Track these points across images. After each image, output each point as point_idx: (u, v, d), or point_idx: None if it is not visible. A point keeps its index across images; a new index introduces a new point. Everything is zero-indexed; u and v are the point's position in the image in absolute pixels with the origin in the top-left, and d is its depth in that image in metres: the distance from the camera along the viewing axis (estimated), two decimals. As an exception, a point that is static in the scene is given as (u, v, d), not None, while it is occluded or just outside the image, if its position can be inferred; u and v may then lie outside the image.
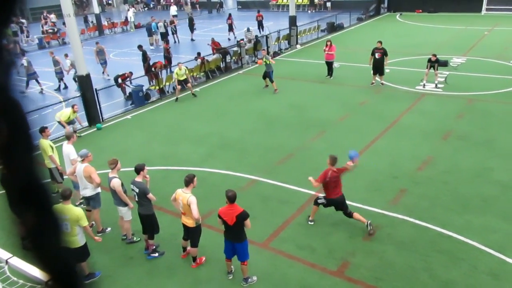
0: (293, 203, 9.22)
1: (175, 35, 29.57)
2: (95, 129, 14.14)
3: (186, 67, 17.04)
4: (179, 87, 16.55)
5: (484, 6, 31.79)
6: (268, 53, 19.40)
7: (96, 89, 14.67)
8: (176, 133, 13.60)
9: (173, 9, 37.74)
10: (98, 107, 14.71)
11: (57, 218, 1.05)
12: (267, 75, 16.73)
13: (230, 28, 28.99)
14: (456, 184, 9.53)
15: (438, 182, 9.68)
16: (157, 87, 17.54)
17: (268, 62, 16.56)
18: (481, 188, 9.31)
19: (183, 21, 33.10)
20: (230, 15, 29.42)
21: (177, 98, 16.54)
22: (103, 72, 21.08)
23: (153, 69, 18.82)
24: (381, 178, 9.99)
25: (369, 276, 7.03)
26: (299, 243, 7.95)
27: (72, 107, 12.74)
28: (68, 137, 9.20)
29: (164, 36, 27.89)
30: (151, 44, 28.01)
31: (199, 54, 19.54)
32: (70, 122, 12.78)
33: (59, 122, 12.73)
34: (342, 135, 12.53)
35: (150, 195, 7.49)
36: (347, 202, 8.27)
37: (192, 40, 29.22)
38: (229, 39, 28.18)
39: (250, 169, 10.79)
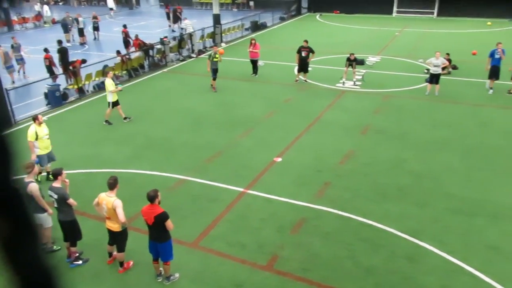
0: (222, 201, 9.23)
1: (96, 32, 28.26)
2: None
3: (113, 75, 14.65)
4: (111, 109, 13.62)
5: (395, 8, 34.16)
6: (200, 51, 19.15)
7: (6, 89, 13.51)
8: (98, 133, 12.97)
9: (111, 2, 37.61)
10: (9, 107, 13.54)
11: (33, 226, 1.01)
12: (214, 72, 16.36)
13: (175, 20, 30.39)
14: (375, 176, 10.15)
15: (359, 174, 10.24)
16: (76, 87, 16.58)
17: (216, 59, 16.31)
18: (397, 178, 10.01)
19: (103, 17, 31.69)
20: (167, 5, 31.72)
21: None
22: (18, 71, 19.42)
23: (70, 67, 17.75)
24: (307, 173, 10.35)
25: (297, 268, 7.26)
26: (229, 240, 7.98)
27: (34, 120, 9.94)
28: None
29: (82, 32, 26.64)
30: (68, 41, 26.45)
31: (118, 52, 18.82)
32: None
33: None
34: (269, 131, 12.77)
35: (71, 200, 7.08)
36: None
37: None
38: (173, 31, 29.65)
39: (178, 169, 10.62)
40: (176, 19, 30.77)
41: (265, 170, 10.47)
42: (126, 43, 22.77)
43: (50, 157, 10.12)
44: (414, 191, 9.49)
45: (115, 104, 13.51)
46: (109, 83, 13.32)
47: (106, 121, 13.55)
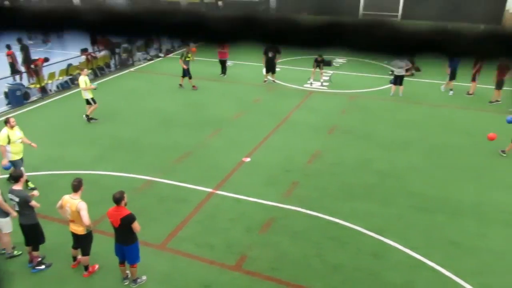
0: (191, 202, 9.17)
1: None
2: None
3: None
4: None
5: (361, 12, 34.90)
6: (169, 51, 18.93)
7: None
8: (63, 134, 12.61)
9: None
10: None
11: None
12: (187, 72, 16.38)
13: None
14: (342, 175, 10.35)
15: (326, 173, 10.40)
16: (38, 86, 16.06)
17: (189, 59, 16.25)
18: (363, 177, 10.23)
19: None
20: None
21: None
22: None
23: (33, 66, 17.17)
24: (275, 172, 10.42)
25: (266, 267, 7.30)
26: (197, 241, 7.94)
27: (6, 123, 9.32)
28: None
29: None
30: (29, 38, 25.56)
31: (83, 50, 18.42)
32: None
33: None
34: (238, 132, 12.78)
35: (33, 203, 6.87)
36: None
37: None
38: None
39: (145, 170, 10.47)
40: None
41: (234, 170, 10.47)
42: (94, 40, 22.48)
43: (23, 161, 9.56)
44: (379, 189, 9.73)
45: (94, 101, 13.34)
46: (81, 80, 13.01)
47: (91, 118, 13.42)
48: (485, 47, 0.67)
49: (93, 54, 18.92)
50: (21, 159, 9.50)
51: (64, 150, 11.53)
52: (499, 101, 14.97)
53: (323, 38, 0.73)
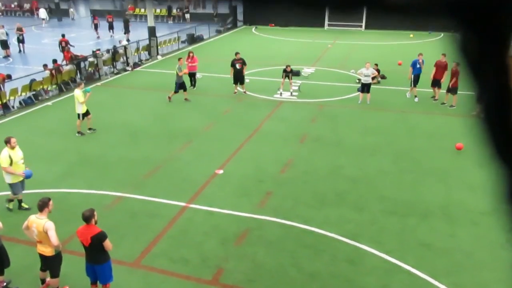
0: (163, 217, 8.99)
1: (21, 44, 26.73)
2: None
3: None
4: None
5: (326, 22, 35.64)
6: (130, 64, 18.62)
7: None
8: (26, 152, 12.05)
9: (43, 12, 37.91)
10: None
11: None
12: (183, 85, 16.33)
13: (127, 30, 30.62)
14: (314, 183, 10.42)
15: (299, 182, 10.45)
16: (-1, 102, 15.47)
17: (177, 73, 16.13)
18: (335, 184, 10.34)
19: (29, 29, 30.05)
20: (95, 16, 33.34)
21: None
22: None
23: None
24: (248, 183, 10.38)
25: (242, 279, 7.22)
26: (172, 257, 7.77)
27: (6, 143, 8.87)
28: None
29: (5, 44, 25.13)
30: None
31: (45, 65, 17.91)
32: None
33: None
34: (209, 143, 12.69)
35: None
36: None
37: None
38: (111, 36, 31.51)
39: (115, 185, 10.21)
40: (127, 29, 30.35)
41: (206, 183, 10.36)
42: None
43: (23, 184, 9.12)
44: (351, 195, 9.84)
45: (85, 114, 13.18)
46: (78, 94, 12.85)
47: (79, 132, 13.24)
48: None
49: (61, 68, 18.44)
50: (22, 181, 9.02)
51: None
52: (453, 106, 15.50)
53: None
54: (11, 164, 8.72)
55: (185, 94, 16.59)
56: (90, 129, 13.51)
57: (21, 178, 8.96)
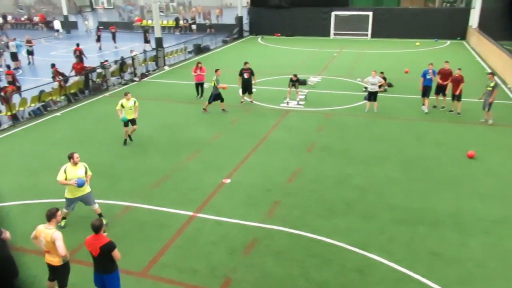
0: (171, 226, 8.97)
1: (30, 56, 27.13)
2: None
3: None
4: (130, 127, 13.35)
5: (332, 31, 35.74)
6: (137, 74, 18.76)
7: None
8: (35, 162, 12.25)
9: (57, 24, 39.16)
10: None
11: None
12: (219, 96, 16.19)
13: (113, 37, 33.12)
14: (323, 192, 10.36)
15: (307, 191, 10.40)
16: (9, 113, 15.65)
17: (214, 84, 15.98)
18: (343, 193, 10.27)
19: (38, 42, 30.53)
20: (100, 28, 34.17)
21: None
22: None
23: (2, 93, 16.76)
24: (256, 193, 10.35)
25: (251, 289, 7.16)
26: (180, 267, 7.74)
27: (70, 159, 8.75)
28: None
29: (15, 56, 25.53)
30: (-1, 66, 25.14)
31: (53, 65, 18.90)
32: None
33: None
34: (216, 153, 12.70)
35: (7, 234, 6.56)
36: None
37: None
38: (116, 47, 32.69)
39: (123, 195, 10.23)
40: (146, 39, 30.97)
41: (214, 193, 10.35)
42: (81, 60, 23.02)
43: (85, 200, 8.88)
44: (359, 204, 9.77)
45: (133, 122, 13.25)
46: (129, 103, 13.22)
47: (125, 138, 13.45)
48: None
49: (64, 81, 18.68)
50: (77, 198, 8.76)
51: (37, 178, 11.19)
52: (459, 113, 15.44)
53: None
54: (65, 179, 8.51)
55: (222, 105, 16.40)
56: (130, 139, 13.56)
57: (79, 194, 8.73)
